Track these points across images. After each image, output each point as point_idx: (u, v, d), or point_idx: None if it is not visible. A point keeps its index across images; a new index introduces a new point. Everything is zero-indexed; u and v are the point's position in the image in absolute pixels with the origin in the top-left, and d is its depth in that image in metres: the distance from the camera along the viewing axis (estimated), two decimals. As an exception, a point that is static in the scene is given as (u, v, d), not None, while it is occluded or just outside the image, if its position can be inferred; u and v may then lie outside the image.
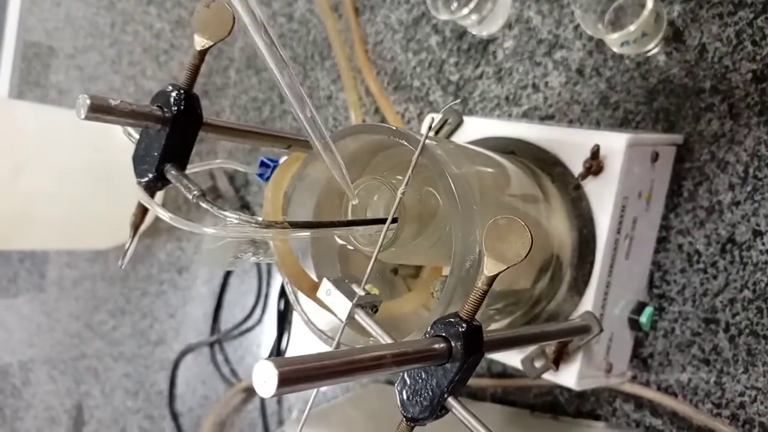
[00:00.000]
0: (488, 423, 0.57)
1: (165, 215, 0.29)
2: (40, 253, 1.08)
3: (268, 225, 0.28)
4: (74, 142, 0.85)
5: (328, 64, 0.74)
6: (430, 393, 0.26)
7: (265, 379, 0.19)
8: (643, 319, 0.46)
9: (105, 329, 0.99)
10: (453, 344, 0.26)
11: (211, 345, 0.84)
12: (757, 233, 0.47)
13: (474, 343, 0.26)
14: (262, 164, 0.46)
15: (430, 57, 0.66)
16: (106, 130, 0.86)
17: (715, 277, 0.49)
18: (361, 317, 0.30)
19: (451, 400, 0.26)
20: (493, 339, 0.29)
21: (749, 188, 0.48)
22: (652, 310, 0.47)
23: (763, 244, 0.47)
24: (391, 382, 0.67)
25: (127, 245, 0.33)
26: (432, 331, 0.27)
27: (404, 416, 0.27)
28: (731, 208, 0.48)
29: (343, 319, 0.31)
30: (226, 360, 0.83)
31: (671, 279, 0.50)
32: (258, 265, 0.79)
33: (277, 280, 0.78)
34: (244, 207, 0.81)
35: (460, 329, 0.26)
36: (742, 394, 0.47)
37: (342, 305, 0.30)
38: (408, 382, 0.27)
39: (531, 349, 0.40)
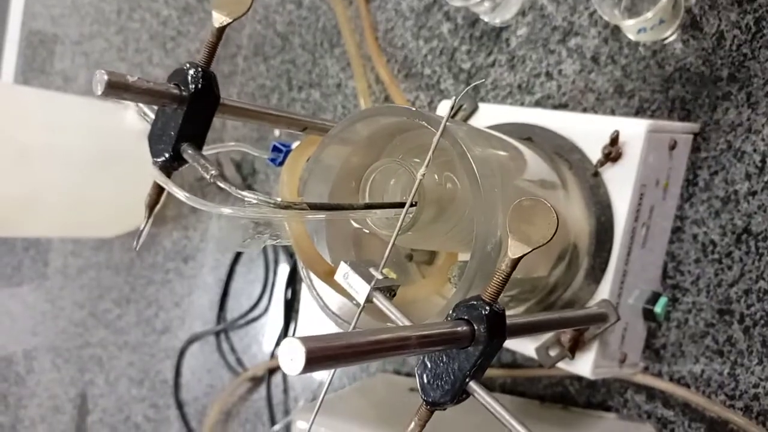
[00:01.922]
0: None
1: (181, 194, 0.29)
2: (44, 241, 1.07)
3: (287, 206, 0.28)
4: (80, 129, 0.84)
5: (337, 52, 0.74)
6: (452, 377, 0.26)
7: (291, 357, 0.19)
8: (658, 309, 0.45)
9: (110, 318, 0.99)
10: (476, 327, 0.26)
11: (217, 334, 0.83)
12: (774, 223, 0.47)
13: (497, 326, 0.26)
14: (275, 149, 0.45)
15: (441, 44, 0.65)
16: (113, 116, 0.85)
17: (729, 268, 0.48)
18: (380, 301, 0.30)
19: (473, 384, 0.26)
20: (515, 324, 0.29)
21: (766, 178, 0.47)
22: (666, 300, 0.46)
23: (780, 234, 0.46)
24: (397, 372, 0.66)
25: (142, 226, 0.32)
26: (454, 314, 0.26)
27: (424, 400, 0.27)
28: (747, 198, 0.48)
29: (361, 303, 0.30)
30: (232, 349, 0.82)
31: (685, 269, 0.50)
32: (265, 253, 0.79)
33: (284, 270, 0.78)
34: (251, 195, 0.81)
35: (483, 312, 0.26)
36: (756, 386, 0.47)
37: (360, 288, 0.30)
38: (429, 365, 0.27)
39: (546, 337, 0.39)
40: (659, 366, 0.50)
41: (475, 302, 0.26)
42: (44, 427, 1.06)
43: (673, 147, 0.43)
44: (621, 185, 0.39)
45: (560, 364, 0.40)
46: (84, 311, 1.03)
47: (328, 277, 0.34)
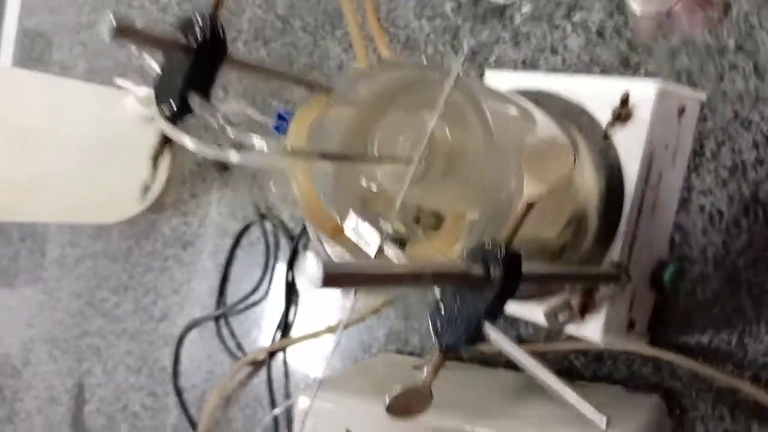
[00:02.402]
0: (502, 389, 0.56)
1: (188, 143, 0.28)
2: (41, 231, 1.07)
3: (297, 153, 0.27)
4: (81, 114, 0.83)
5: (339, 33, 0.73)
6: (466, 320, 0.25)
7: (311, 271, 0.18)
8: (666, 276, 0.45)
9: (107, 306, 0.98)
10: (491, 267, 0.25)
11: (217, 319, 0.83)
12: (782, 192, 0.46)
13: (512, 267, 0.25)
14: (280, 117, 0.45)
15: (444, 23, 0.65)
16: (114, 102, 0.84)
17: (737, 237, 0.48)
18: (392, 250, 0.29)
19: (488, 326, 0.25)
20: (529, 272, 0.29)
21: (774, 146, 0.47)
22: (674, 268, 0.46)
23: (788, 202, 0.46)
24: (400, 351, 0.66)
25: (149, 180, 0.32)
26: (469, 256, 0.26)
27: (438, 349, 0.26)
28: (755, 166, 0.47)
29: (373, 254, 0.30)
30: (232, 334, 0.82)
31: (692, 240, 0.49)
32: (265, 237, 0.78)
33: (285, 253, 0.77)
34: (253, 180, 0.80)
35: (498, 253, 0.25)
36: (765, 354, 0.46)
37: (371, 239, 0.29)
38: (442, 311, 0.26)
39: (554, 301, 0.39)
40: (666, 337, 0.50)
41: (490, 244, 0.25)
42: (40, 418, 1.05)
43: (681, 112, 0.43)
44: (631, 147, 0.39)
45: (569, 330, 0.39)
46: (81, 301, 1.02)
47: (335, 234, 0.34)
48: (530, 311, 0.41)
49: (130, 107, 0.86)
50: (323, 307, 0.73)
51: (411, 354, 0.64)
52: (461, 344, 0.25)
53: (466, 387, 0.55)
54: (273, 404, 0.75)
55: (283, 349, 0.75)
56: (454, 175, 0.33)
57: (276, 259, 0.78)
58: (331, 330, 0.70)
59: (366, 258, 0.31)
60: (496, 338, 0.25)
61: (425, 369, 0.26)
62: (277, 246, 0.78)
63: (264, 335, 0.79)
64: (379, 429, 0.46)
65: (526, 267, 0.28)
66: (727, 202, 0.48)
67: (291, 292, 0.75)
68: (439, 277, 0.23)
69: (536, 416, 0.46)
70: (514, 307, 0.41)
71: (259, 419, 0.77)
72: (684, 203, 0.50)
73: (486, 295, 0.25)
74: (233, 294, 0.82)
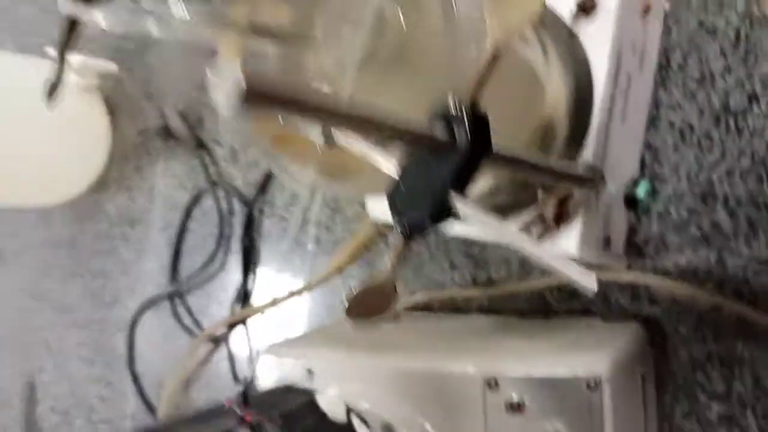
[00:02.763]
0: (476, 331, 0.53)
1: (100, 18, 0.24)
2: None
3: (226, 22, 0.23)
4: (11, 85, 0.77)
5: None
6: (430, 194, 0.22)
7: (225, 88, 0.14)
8: (640, 192, 0.43)
9: (54, 297, 0.92)
10: (456, 129, 0.22)
11: (171, 298, 0.78)
12: (753, 98, 0.44)
13: (480, 130, 0.22)
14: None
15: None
16: (47, 71, 0.79)
17: (710, 150, 0.46)
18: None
19: (455, 197, 0.22)
20: (500, 154, 0.25)
21: (741, 52, 0.45)
22: (648, 184, 0.44)
23: (760, 108, 0.44)
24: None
25: (54, 77, 0.27)
26: (431, 119, 0.22)
27: (400, 231, 0.23)
28: (723, 75, 0.45)
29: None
30: (189, 312, 0.77)
31: (664, 158, 0.47)
32: (218, 205, 0.74)
33: (240, 220, 0.73)
34: (201, 147, 0.76)
35: (463, 113, 0.22)
36: (745, 268, 0.44)
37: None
38: (401, 189, 0.23)
39: (527, 216, 0.36)
40: (642, 262, 0.47)
41: (453, 102, 0.22)
42: (-10, 424, 0.98)
43: (646, 11, 0.41)
44: (599, 41, 0.36)
45: (545, 246, 0.36)
46: (25, 294, 0.96)
47: (278, 142, 0.30)
48: (503, 231, 0.38)
49: (71, 81, 0.80)
50: (285, 271, 0.69)
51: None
52: (426, 222, 0.22)
53: (437, 333, 0.51)
54: (235, 377, 0.71)
55: (243, 321, 0.71)
56: (408, 63, 0.29)
57: (231, 227, 0.74)
58: (293, 295, 0.66)
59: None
60: (464, 210, 0.22)
61: (386, 259, 0.23)
62: (231, 213, 0.73)
63: (224, 310, 0.74)
64: (343, 372, 0.42)
65: (498, 147, 0.25)
66: (698, 114, 0.46)
67: (248, 260, 0.71)
68: (395, 131, 0.20)
69: (513, 350, 0.43)
70: (486, 230, 0.38)
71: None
72: (653, 121, 0.47)
73: (451, 160, 0.22)
74: (188, 270, 0.77)
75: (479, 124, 0.22)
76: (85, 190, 0.85)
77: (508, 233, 0.22)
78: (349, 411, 0.39)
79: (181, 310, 0.77)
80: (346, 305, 0.22)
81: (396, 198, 0.22)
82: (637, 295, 0.48)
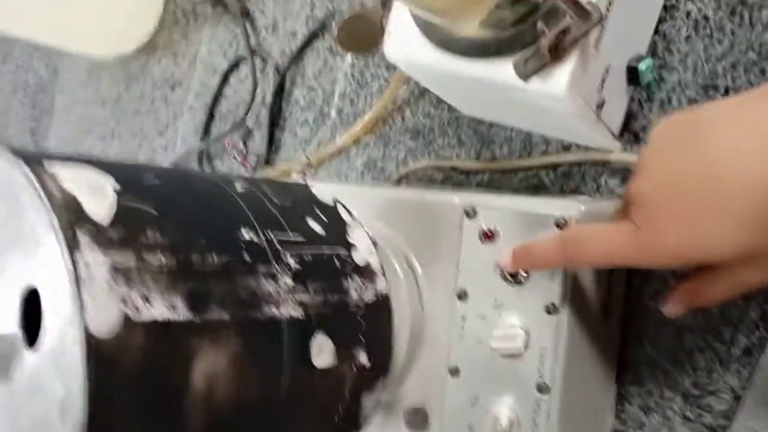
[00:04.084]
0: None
1: None
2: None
3: None
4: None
5: None
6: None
7: None
8: (642, 66, 0.44)
9: (94, 153, 0.98)
10: None
11: (200, 159, 0.83)
12: (771, -7, 0.45)
13: None
14: None
15: None
16: None
17: (720, 42, 0.47)
18: None
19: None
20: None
21: (768, -54, 0.46)
22: (652, 62, 0.45)
23: (776, 3, 0.45)
24: (375, 180, 0.66)
25: None
26: None
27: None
28: (746, -31, 0.46)
29: None
30: (214, 172, 0.82)
31: (675, 48, 0.48)
32: (254, 72, 0.77)
33: (271, 88, 0.76)
34: (245, 14, 0.79)
35: None
36: (732, 156, 0.46)
37: None
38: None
39: (525, 53, 0.38)
40: (638, 147, 0.50)
41: None
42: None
43: None
44: None
45: (535, 83, 0.39)
46: (69, 150, 1.02)
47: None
48: (500, 71, 0.40)
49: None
50: (308, 135, 0.73)
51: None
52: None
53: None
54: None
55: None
56: None
57: (263, 95, 0.77)
58: (309, 165, 0.70)
59: None
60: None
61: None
62: (265, 81, 0.77)
63: (246, 173, 0.79)
64: (338, 197, 0.46)
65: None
66: (715, 6, 0.47)
67: (274, 127, 0.75)
68: None
69: (497, 195, 0.46)
70: (482, 68, 0.41)
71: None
72: (671, 10, 0.49)
73: None
74: (220, 131, 0.82)
75: None
76: (135, 51, 0.90)
77: None
78: (336, 201, 0.43)
79: (208, 170, 0.82)
80: (336, 32, 0.25)
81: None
82: (626, 179, 0.50)
